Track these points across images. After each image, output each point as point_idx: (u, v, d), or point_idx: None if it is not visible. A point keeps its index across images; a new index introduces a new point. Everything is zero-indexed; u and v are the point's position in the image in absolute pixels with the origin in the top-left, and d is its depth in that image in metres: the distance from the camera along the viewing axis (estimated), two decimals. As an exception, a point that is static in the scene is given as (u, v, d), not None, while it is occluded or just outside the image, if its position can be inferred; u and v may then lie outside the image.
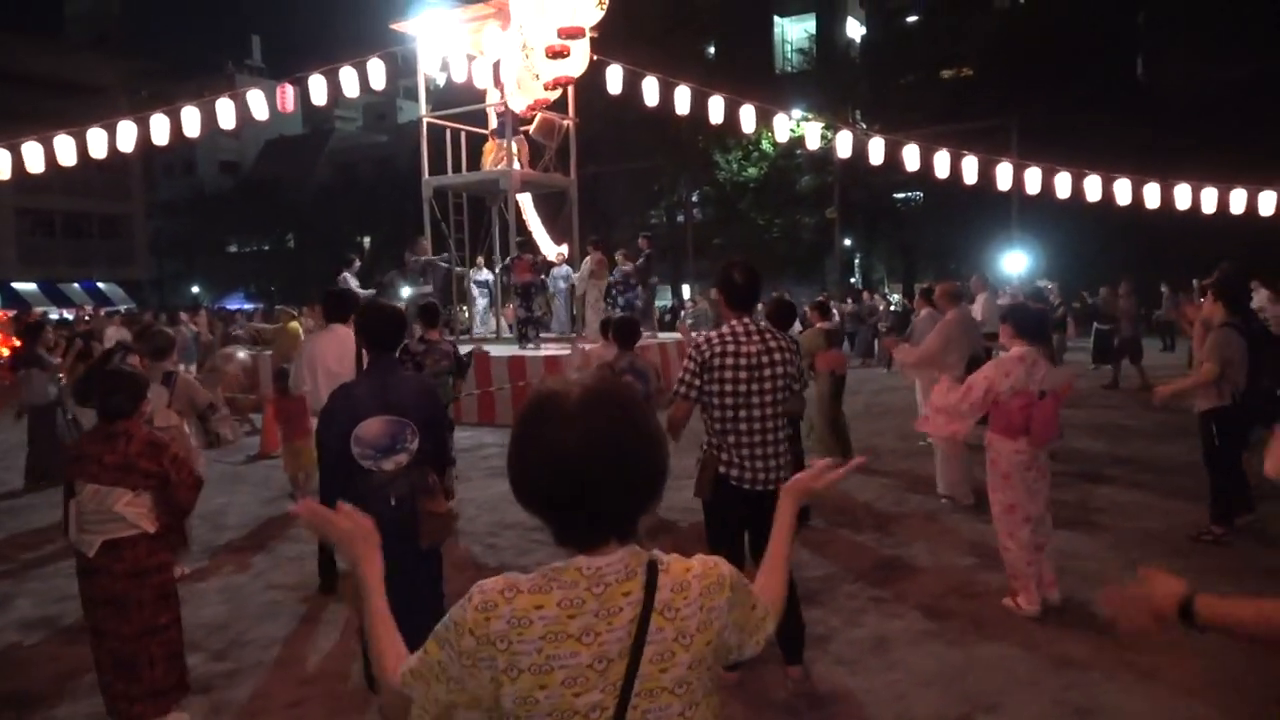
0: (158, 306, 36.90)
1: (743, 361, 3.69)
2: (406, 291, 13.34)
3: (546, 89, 11.53)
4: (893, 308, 24.12)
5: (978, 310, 9.56)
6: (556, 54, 10.84)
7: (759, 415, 3.71)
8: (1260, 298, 15.79)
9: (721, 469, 3.77)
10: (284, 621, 4.90)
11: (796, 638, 3.90)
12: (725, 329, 3.78)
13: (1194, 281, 13.68)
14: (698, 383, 3.74)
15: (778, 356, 3.73)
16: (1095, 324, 15.55)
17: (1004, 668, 4.04)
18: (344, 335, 5.23)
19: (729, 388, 3.70)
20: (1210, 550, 5.64)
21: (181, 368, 16.20)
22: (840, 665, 4.13)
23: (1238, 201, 12.22)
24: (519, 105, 12.77)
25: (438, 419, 3.78)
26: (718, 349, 3.71)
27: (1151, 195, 12.28)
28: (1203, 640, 4.18)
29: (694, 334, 4.09)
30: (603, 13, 11.83)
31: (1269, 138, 22.30)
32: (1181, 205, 12.29)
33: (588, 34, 11.49)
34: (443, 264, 14.30)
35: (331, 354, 5.41)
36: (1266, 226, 12.61)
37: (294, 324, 12.94)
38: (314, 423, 4.52)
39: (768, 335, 3.77)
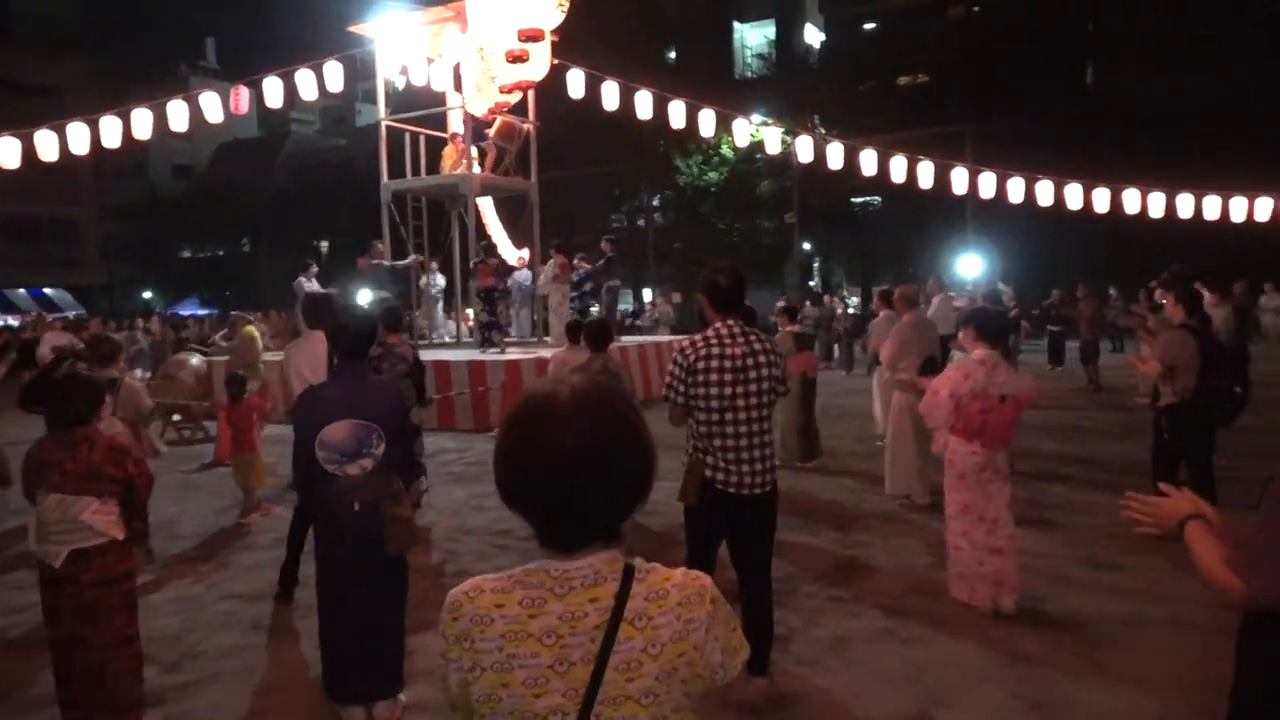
0: (108, 312, 36.12)
1: (728, 364, 3.65)
2: (365, 295, 13.20)
3: (503, 92, 11.48)
4: (850, 310, 24.38)
5: (933, 313, 9.69)
6: (516, 58, 10.81)
7: (745, 418, 3.68)
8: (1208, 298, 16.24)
9: (708, 473, 3.72)
10: (239, 631, 4.82)
11: (764, 645, 3.87)
12: (710, 332, 3.73)
13: (1151, 284, 14.01)
14: (684, 387, 3.71)
15: (763, 359, 3.71)
16: (1049, 326, 15.85)
17: (961, 664, 4.10)
18: (318, 340, 5.20)
19: (714, 390, 3.66)
20: (1154, 544, 5.74)
21: (139, 373, 16.02)
22: (800, 665, 4.16)
23: (1184, 206, 12.56)
24: (478, 109, 12.71)
25: (405, 425, 3.77)
26: (702, 352, 3.68)
27: (1101, 200, 12.57)
28: (1153, 637, 4.29)
29: (680, 338, 4.07)
30: (563, 15, 11.82)
31: (1212, 146, 22.93)
32: (1130, 210, 12.60)
33: (548, 37, 11.46)
34: (399, 265, 14.15)
35: (305, 361, 5.40)
36: (1213, 230, 12.98)
37: (250, 329, 12.75)
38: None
39: (752, 337, 3.74)
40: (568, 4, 11.81)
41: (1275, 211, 12.62)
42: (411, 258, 14.40)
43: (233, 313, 18.15)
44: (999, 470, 4.75)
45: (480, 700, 1.30)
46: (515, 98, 11.88)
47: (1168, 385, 5.82)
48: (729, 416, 3.67)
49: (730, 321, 3.74)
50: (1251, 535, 1.68)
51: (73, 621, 3.43)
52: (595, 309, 15.85)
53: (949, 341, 9.47)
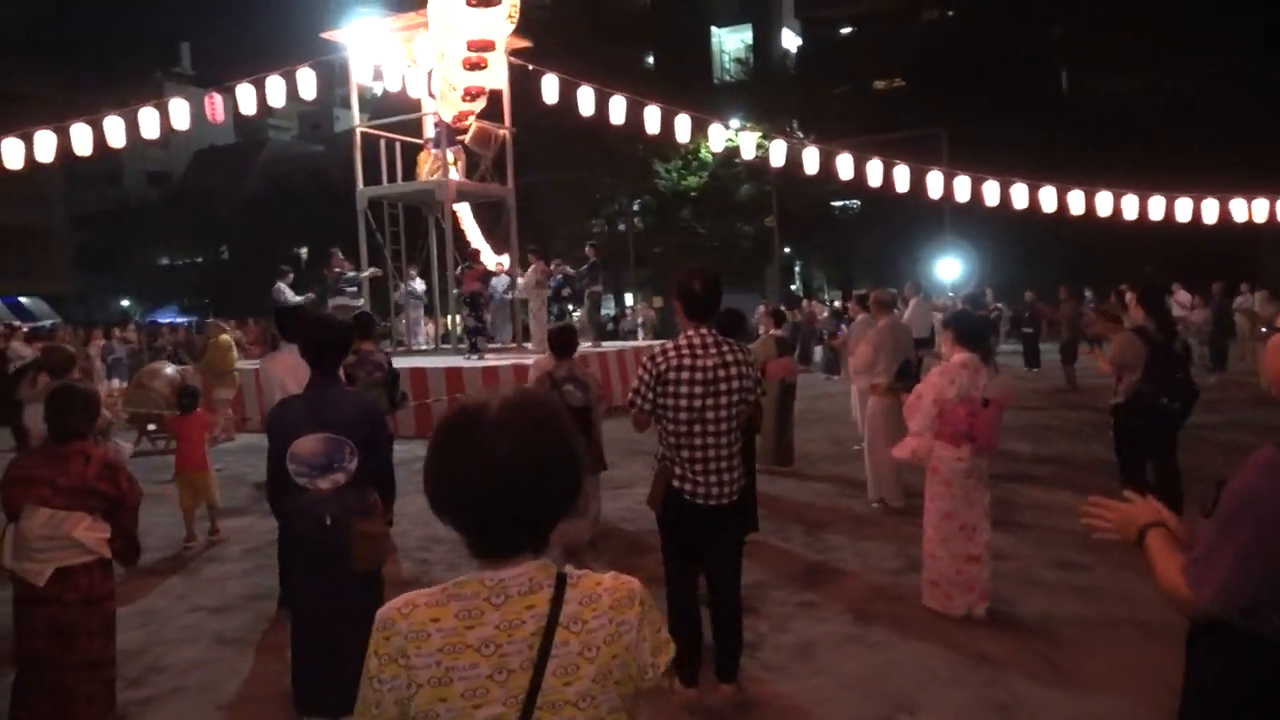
0: (83, 321, 35.74)
1: (698, 376, 3.57)
2: (335, 303, 13.20)
3: (464, 100, 11.46)
4: (829, 314, 24.49)
5: (909, 317, 9.75)
6: (473, 65, 10.82)
7: (714, 430, 3.61)
8: (1181, 298, 16.44)
9: (675, 482, 3.67)
10: (204, 645, 4.77)
11: (733, 652, 3.87)
12: (682, 340, 3.64)
13: (1122, 286, 14.16)
14: (651, 395, 3.65)
15: (734, 370, 3.62)
16: (1022, 329, 15.99)
17: (926, 667, 4.11)
18: (295, 351, 5.15)
19: (684, 402, 3.58)
20: (1122, 545, 5.80)
21: (115, 383, 15.83)
22: (767, 671, 4.16)
23: (1156, 208, 12.71)
24: (446, 115, 12.70)
25: (379, 438, 3.69)
26: (674, 362, 3.59)
27: (1075, 202, 12.70)
28: (1119, 639, 4.31)
29: (655, 343, 4.06)
30: (513, 25, 11.82)
31: (1184, 147, 23.21)
32: (1103, 212, 12.73)
33: (500, 47, 11.46)
34: (359, 275, 14.06)
35: (289, 374, 5.33)
36: (1184, 232, 13.14)
37: (224, 337, 12.67)
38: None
39: (724, 348, 3.64)
40: (517, 15, 11.83)
41: (1248, 212, 12.82)
42: (370, 270, 14.31)
43: (207, 320, 18.03)
44: (981, 476, 4.75)
45: (418, 717, 1.29)
46: (478, 105, 11.84)
47: (1119, 385, 5.91)
48: (697, 429, 3.62)
49: (703, 330, 3.66)
50: (1201, 545, 1.68)
51: (49, 642, 3.33)
52: (578, 314, 15.89)
53: (924, 346, 9.53)
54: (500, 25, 11.10)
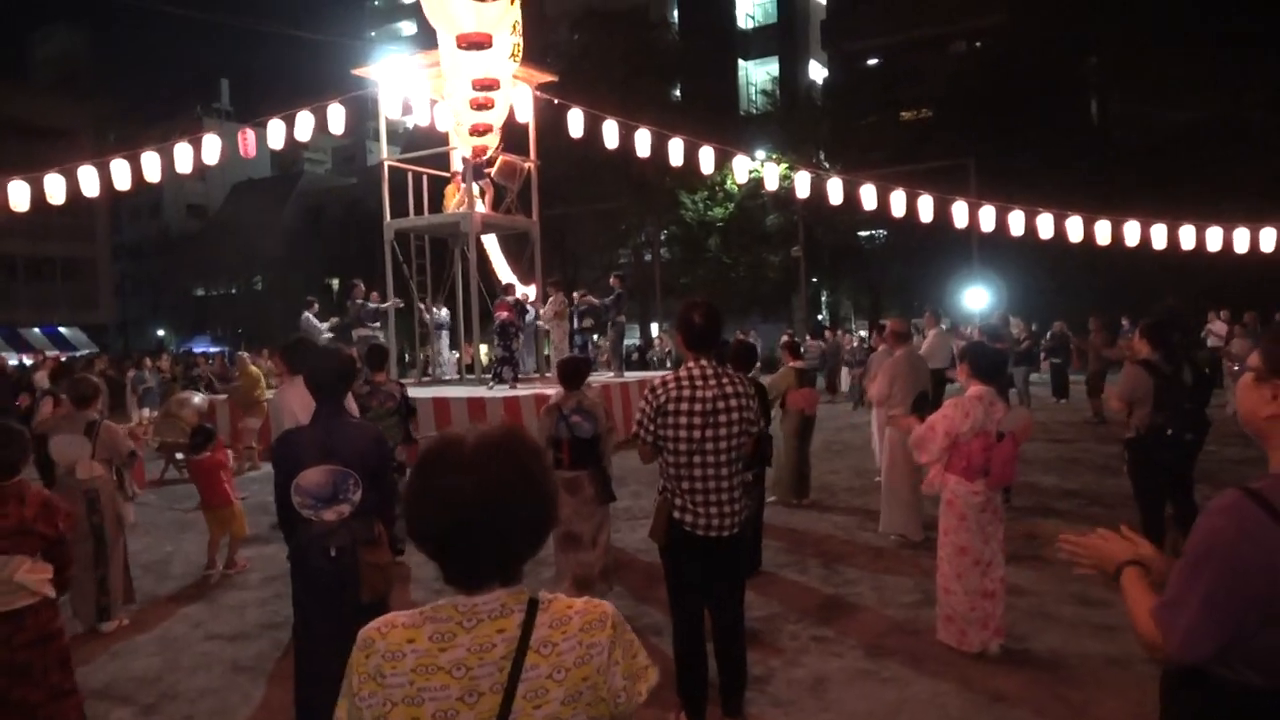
0: (121, 350, 36.45)
1: (697, 407, 3.60)
2: (358, 334, 13.44)
3: (471, 135, 11.65)
4: (857, 343, 24.35)
5: (928, 346, 9.68)
6: (480, 106, 10.98)
7: (713, 462, 3.63)
8: (1217, 328, 16.16)
9: (676, 514, 3.69)
10: (218, 673, 4.81)
11: (737, 686, 3.84)
12: (683, 371, 3.68)
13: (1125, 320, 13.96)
14: (653, 426, 3.67)
15: (734, 402, 3.64)
16: (1051, 359, 15.80)
17: (937, 705, 4.05)
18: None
19: (683, 434, 3.61)
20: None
21: (146, 412, 16.13)
22: (776, 706, 4.12)
23: (1186, 238, 12.55)
24: (464, 150, 12.90)
25: (384, 468, 3.72)
26: (673, 393, 3.63)
27: (1103, 232, 12.58)
28: (1135, 677, 4.22)
29: (655, 375, 4.08)
30: (516, 64, 11.99)
31: (1212, 178, 22.93)
32: (1131, 241, 12.60)
33: (506, 85, 11.62)
34: (381, 308, 14.25)
35: (298, 403, 5.40)
36: (1222, 261, 12.96)
37: (253, 368, 12.87)
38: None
39: (724, 379, 3.67)
40: (520, 55, 12.01)
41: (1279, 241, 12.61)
42: (392, 301, 14.50)
43: (238, 352, 18.32)
44: (997, 510, 4.69)
45: None
46: (489, 140, 12.01)
47: (1130, 419, 5.83)
48: (697, 460, 3.63)
49: (704, 361, 3.69)
50: (1170, 589, 1.63)
51: (6, 684, 3.27)
52: (601, 343, 15.95)
53: (945, 373, 9.45)
54: (502, 64, 11.28)
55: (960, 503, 4.61)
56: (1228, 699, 1.57)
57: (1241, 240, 12.51)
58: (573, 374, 5.45)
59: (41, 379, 14.30)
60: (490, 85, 10.86)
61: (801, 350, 10.26)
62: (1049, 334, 16.86)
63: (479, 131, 11.39)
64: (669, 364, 24.39)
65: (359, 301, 13.61)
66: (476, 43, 10.22)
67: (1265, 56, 22.83)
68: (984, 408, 4.57)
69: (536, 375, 15.35)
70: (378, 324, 13.72)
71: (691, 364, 3.70)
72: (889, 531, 7.10)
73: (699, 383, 3.64)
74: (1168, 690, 1.73)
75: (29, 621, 3.29)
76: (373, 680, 1.34)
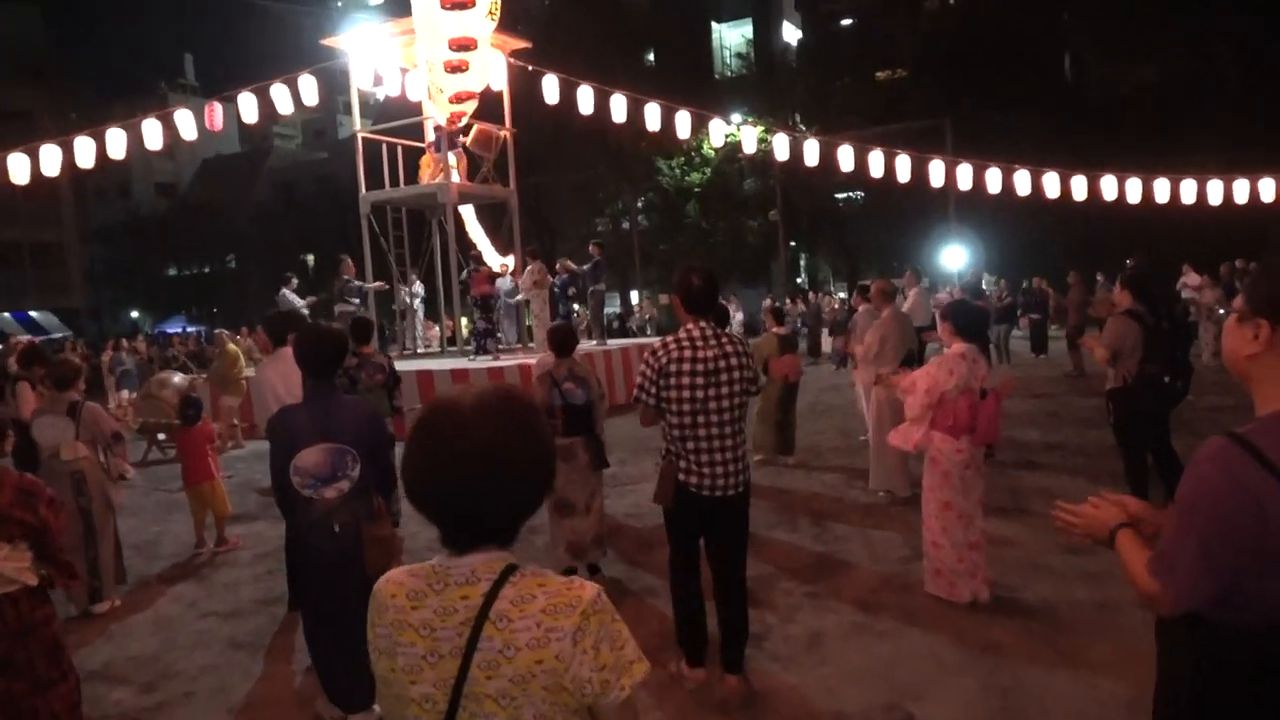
0: (96, 334, 35.98)
1: (699, 368, 3.63)
2: (340, 309, 13.33)
3: (452, 103, 11.49)
4: (838, 306, 24.45)
5: (909, 306, 9.73)
6: (455, 68, 10.84)
7: (717, 421, 3.67)
8: (1191, 280, 16.34)
9: (681, 476, 3.72)
10: (215, 650, 4.80)
11: (738, 643, 3.89)
12: (682, 333, 3.71)
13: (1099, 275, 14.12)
14: (654, 389, 3.70)
15: (734, 361, 3.69)
16: (1030, 315, 15.93)
17: (932, 656, 4.11)
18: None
19: (686, 394, 3.64)
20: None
21: (125, 394, 15.95)
22: (774, 662, 4.17)
23: (1161, 191, 12.63)
24: (440, 118, 12.74)
25: (381, 443, 3.72)
26: (674, 354, 3.65)
27: (1079, 188, 12.63)
28: (1125, 622, 4.31)
29: (655, 340, 4.08)
30: (493, 23, 11.81)
31: (1184, 132, 23.06)
32: (1108, 196, 12.66)
33: (484, 46, 11.46)
34: (365, 287, 14.12)
35: (279, 379, 5.36)
36: (1195, 214, 13.07)
37: (232, 346, 12.76)
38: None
39: (724, 340, 3.72)
40: (499, 13, 11.83)
41: (1252, 193, 12.73)
42: (376, 284, 14.40)
43: (215, 331, 18.14)
44: (979, 467, 4.77)
45: (380, 679, 1.42)
46: (467, 107, 11.86)
47: (1115, 370, 5.89)
48: (700, 419, 3.67)
49: (702, 323, 3.72)
50: (1165, 539, 1.64)
51: None
52: (580, 312, 15.92)
53: (924, 334, 9.50)
54: (480, 24, 11.10)
55: (945, 460, 4.66)
56: (1225, 641, 1.59)
57: (1215, 193, 12.63)
58: (564, 342, 5.45)
59: (11, 364, 14.08)
60: (468, 45, 10.72)
61: (786, 317, 10.29)
62: (1023, 289, 16.97)
63: (460, 98, 11.25)
64: (649, 330, 24.41)
65: (345, 278, 13.50)
66: (460, 2, 10.07)
67: (1233, 13, 22.89)
68: (967, 365, 4.61)
69: (519, 346, 15.31)
70: (357, 300, 13.61)
71: (691, 326, 3.73)
72: (878, 488, 7.17)
73: (699, 344, 3.67)
74: (1165, 634, 1.75)
75: (8, 612, 3.15)
76: (372, 627, 1.42)
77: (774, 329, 8.67)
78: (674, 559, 3.94)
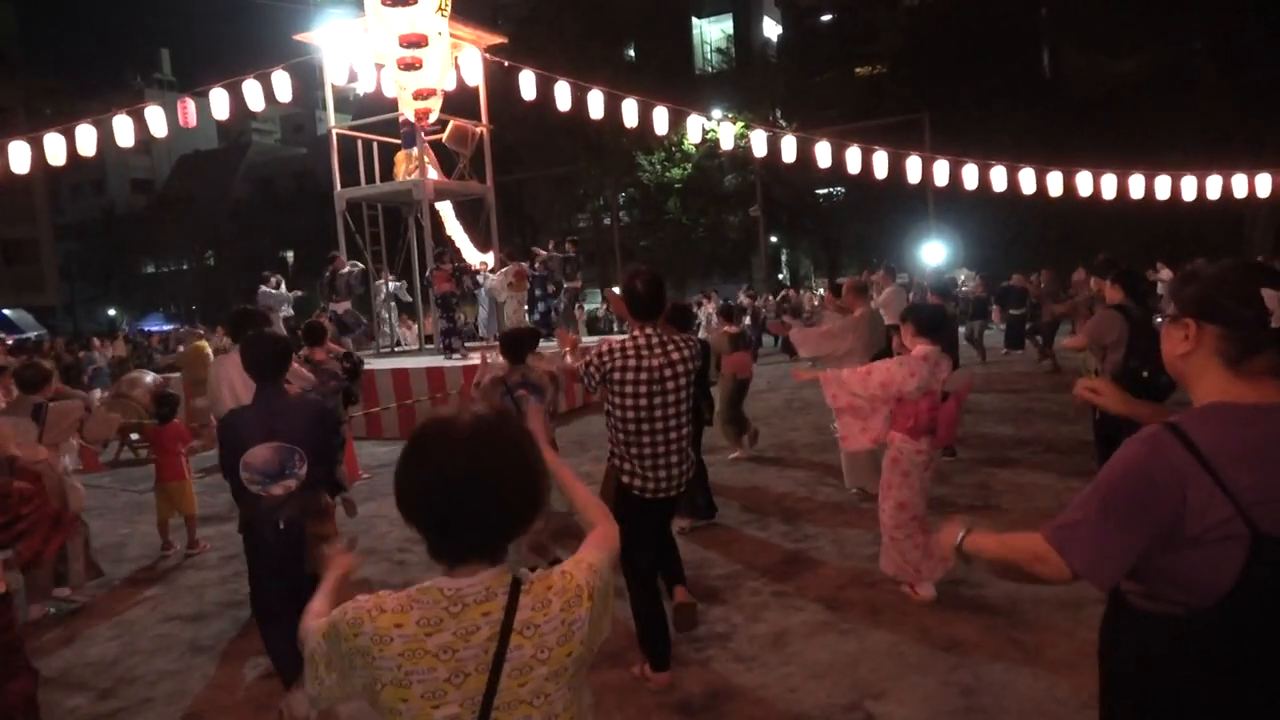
0: (71, 332, 35.58)
1: (643, 376, 3.63)
2: (340, 307, 13.38)
3: (415, 99, 11.41)
4: (816, 303, 24.48)
5: (883, 302, 9.73)
6: (409, 65, 10.77)
7: (661, 428, 3.69)
8: (1165, 275, 16.46)
9: (624, 479, 3.75)
10: (176, 655, 4.75)
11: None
12: (628, 340, 3.70)
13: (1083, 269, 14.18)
14: (598, 375, 3.71)
15: (680, 368, 3.69)
16: (1009, 310, 16.01)
17: (895, 654, 4.12)
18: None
19: (630, 402, 3.65)
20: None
21: (98, 393, 15.82)
22: (738, 662, 4.16)
23: (1136, 187, 12.72)
24: (408, 114, 12.66)
25: (328, 443, 3.89)
26: (619, 362, 3.65)
27: (1055, 183, 12.70)
28: (1087, 619, 4.32)
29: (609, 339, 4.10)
30: (444, 18, 11.71)
31: (1160, 127, 23.20)
32: (1083, 192, 12.74)
33: (435, 42, 11.35)
34: (355, 270, 14.09)
35: (238, 376, 5.33)
36: (1173, 209, 13.19)
37: (201, 343, 12.64)
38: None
39: (669, 346, 3.71)
40: (449, 7, 11.74)
41: (1225, 188, 12.83)
42: (356, 266, 14.41)
43: (182, 328, 18.02)
44: (934, 467, 4.84)
45: (383, 710, 1.43)
46: (433, 104, 11.76)
47: (1101, 364, 5.90)
48: (645, 427, 3.69)
49: (649, 330, 3.72)
50: (1071, 511, 1.63)
51: None
52: (559, 311, 15.85)
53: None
54: (429, 20, 11.00)
55: (905, 460, 4.69)
56: (1154, 629, 1.61)
57: (1189, 188, 12.72)
58: (515, 346, 5.35)
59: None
60: (417, 42, 10.63)
61: (737, 316, 10.30)
62: (1003, 285, 17.04)
63: (422, 95, 11.16)
64: (615, 328, 24.30)
65: (343, 272, 13.47)
66: None
67: (1209, 7, 23.04)
68: (930, 367, 4.62)
69: (497, 345, 15.23)
70: (347, 296, 13.59)
71: (637, 333, 3.72)
72: (853, 486, 7.17)
73: (644, 351, 3.67)
74: (1103, 631, 1.78)
75: None
76: (361, 655, 1.41)
77: (725, 327, 8.69)
78: (625, 558, 3.90)
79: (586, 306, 24.25)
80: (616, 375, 3.65)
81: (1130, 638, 1.68)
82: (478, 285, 14.70)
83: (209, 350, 12.46)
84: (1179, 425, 1.56)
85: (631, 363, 3.64)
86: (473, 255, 16.39)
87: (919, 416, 4.59)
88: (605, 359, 3.69)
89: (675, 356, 3.70)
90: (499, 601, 1.42)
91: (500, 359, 5.56)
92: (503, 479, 1.42)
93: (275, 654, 3.86)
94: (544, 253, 14.73)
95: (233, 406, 4.90)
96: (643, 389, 3.64)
